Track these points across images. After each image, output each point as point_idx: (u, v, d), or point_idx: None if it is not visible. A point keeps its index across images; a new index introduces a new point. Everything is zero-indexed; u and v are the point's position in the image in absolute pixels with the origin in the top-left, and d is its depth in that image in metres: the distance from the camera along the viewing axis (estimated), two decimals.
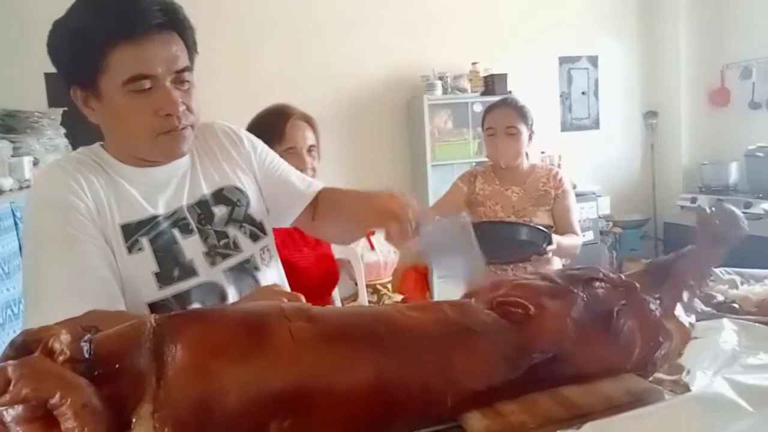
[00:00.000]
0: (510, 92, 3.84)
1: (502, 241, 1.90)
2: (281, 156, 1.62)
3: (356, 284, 2.21)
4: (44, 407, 0.49)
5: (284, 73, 3.78)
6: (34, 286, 0.92)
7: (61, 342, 0.53)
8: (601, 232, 4.30)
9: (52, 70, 0.96)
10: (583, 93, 4.57)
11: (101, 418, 0.50)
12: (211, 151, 1.13)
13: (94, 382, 0.52)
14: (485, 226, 2.03)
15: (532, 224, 1.96)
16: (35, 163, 2.36)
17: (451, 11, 4.10)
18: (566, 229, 2.12)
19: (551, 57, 4.45)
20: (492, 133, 2.13)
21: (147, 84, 0.92)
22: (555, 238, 1.90)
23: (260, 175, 1.18)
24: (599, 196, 4.25)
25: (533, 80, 4.29)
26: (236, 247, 1.08)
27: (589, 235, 4.03)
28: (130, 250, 0.96)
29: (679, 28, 4.45)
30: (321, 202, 1.22)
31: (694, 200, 4.18)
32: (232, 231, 1.08)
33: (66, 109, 2.60)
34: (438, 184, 3.79)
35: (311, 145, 1.70)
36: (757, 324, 0.93)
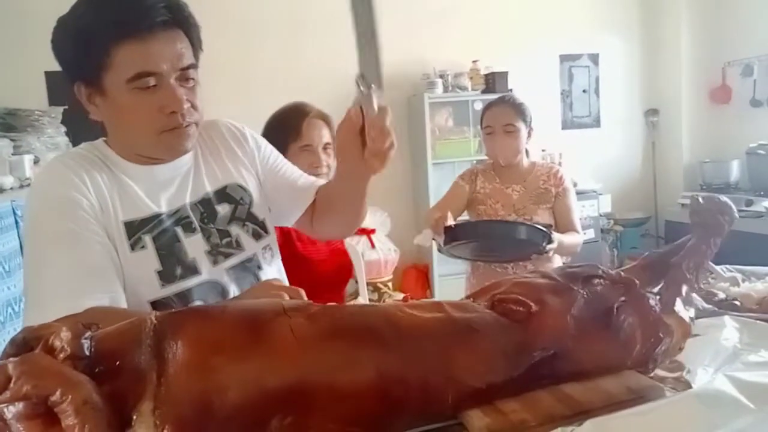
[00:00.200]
0: (511, 90, 3.84)
1: (502, 239, 1.90)
2: (297, 153, 1.64)
3: (357, 282, 2.21)
4: (45, 404, 0.49)
5: (284, 72, 3.78)
6: (36, 283, 0.92)
7: (62, 339, 0.53)
8: (602, 230, 4.30)
9: (53, 68, 0.95)
10: (584, 91, 4.57)
11: (102, 414, 0.50)
12: (215, 149, 1.13)
13: (94, 379, 0.52)
14: (485, 225, 2.03)
15: (531, 223, 1.96)
16: (36, 162, 2.36)
17: (452, 9, 4.09)
18: (567, 227, 2.11)
19: (552, 55, 4.45)
20: (490, 132, 2.13)
21: (152, 81, 0.92)
22: (556, 236, 1.89)
23: (263, 173, 1.18)
24: (600, 194, 4.25)
25: (534, 78, 4.28)
26: (238, 245, 1.08)
27: (590, 233, 4.03)
28: (132, 247, 0.96)
29: (680, 26, 4.44)
30: (317, 200, 1.22)
31: (693, 198, 4.17)
32: (235, 229, 1.08)
33: (66, 107, 2.61)
34: (439, 182, 3.79)
35: (327, 143, 1.71)
36: (758, 321, 0.93)
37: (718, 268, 1.24)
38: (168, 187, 1.04)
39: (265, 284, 1.01)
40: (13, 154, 2.35)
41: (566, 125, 4.55)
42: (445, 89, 3.95)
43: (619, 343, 0.73)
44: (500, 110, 2.13)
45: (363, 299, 2.08)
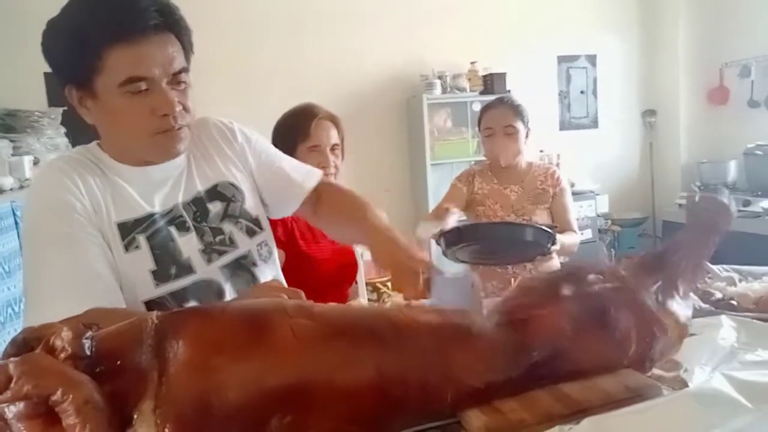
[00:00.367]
0: (509, 91, 3.84)
1: (506, 241, 1.90)
2: (305, 153, 1.66)
3: (356, 283, 2.21)
4: (46, 404, 0.49)
5: (283, 73, 3.78)
6: (34, 286, 0.92)
7: (63, 339, 0.53)
8: (600, 231, 4.30)
9: None
10: (581, 92, 4.57)
11: (103, 414, 0.51)
12: (205, 148, 1.13)
13: (95, 379, 0.53)
14: (488, 227, 2.02)
15: (537, 225, 1.95)
16: (35, 163, 2.36)
17: (450, 10, 4.10)
18: (564, 227, 2.12)
19: (550, 56, 4.45)
20: (490, 134, 2.13)
21: (143, 86, 0.92)
22: (557, 237, 1.90)
23: (256, 168, 1.17)
24: (598, 194, 4.25)
25: (532, 79, 4.29)
26: (232, 243, 1.08)
27: (588, 234, 4.03)
28: (127, 248, 0.97)
29: (677, 27, 4.45)
30: (325, 201, 1.22)
31: (690, 196, 4.19)
32: (228, 227, 1.09)
33: (66, 108, 2.60)
34: (437, 183, 3.79)
35: (335, 144, 1.73)
36: (755, 321, 0.93)
37: (715, 267, 1.24)
38: (161, 187, 1.04)
39: (265, 285, 1.01)
40: (12, 155, 2.34)
41: (564, 126, 4.56)
42: (444, 90, 3.95)
43: (615, 343, 0.74)
44: (500, 112, 2.13)
45: (363, 299, 2.08)
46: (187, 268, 1.01)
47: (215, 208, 1.08)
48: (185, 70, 0.98)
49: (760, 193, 3.85)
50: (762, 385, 0.68)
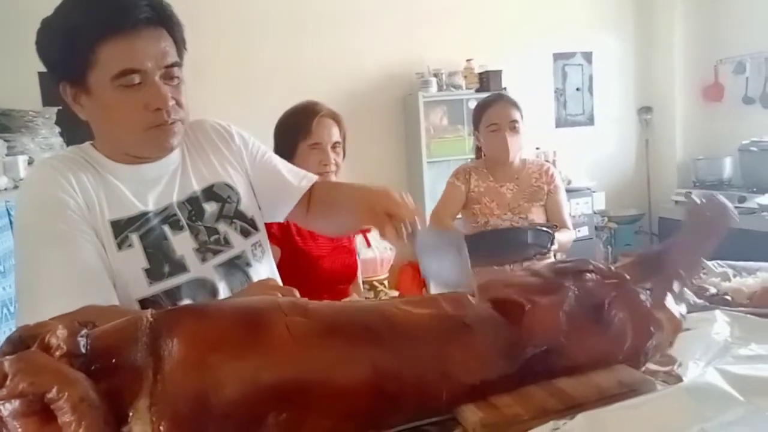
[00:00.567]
0: (505, 89, 3.85)
1: (507, 245, 1.90)
2: (307, 151, 1.67)
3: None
4: (41, 401, 0.49)
5: (280, 71, 3.77)
6: (28, 284, 0.92)
7: (58, 337, 0.54)
8: (596, 228, 4.31)
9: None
10: (577, 89, 4.58)
11: (98, 412, 0.51)
12: (201, 148, 1.13)
13: (91, 377, 0.53)
14: (493, 235, 2.02)
15: (537, 227, 1.95)
16: (30, 162, 2.35)
17: (446, 8, 4.10)
18: (559, 224, 2.13)
19: (545, 53, 4.46)
20: (495, 129, 2.12)
21: (136, 79, 0.93)
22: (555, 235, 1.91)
23: (251, 170, 1.18)
24: (594, 191, 4.26)
25: (528, 76, 4.29)
26: (227, 243, 1.08)
27: (584, 231, 4.04)
28: (119, 246, 0.97)
29: (673, 24, 4.46)
30: (315, 196, 1.22)
31: (688, 195, 4.20)
32: (223, 227, 1.09)
33: (61, 108, 2.59)
34: (433, 181, 3.79)
35: (336, 142, 1.73)
36: (749, 315, 0.94)
37: (709, 263, 1.25)
38: (155, 186, 1.04)
39: (260, 284, 1.01)
40: (7, 155, 2.34)
41: (560, 123, 4.56)
42: (440, 88, 3.95)
43: (610, 338, 0.74)
44: (504, 108, 2.13)
45: (356, 296, 2.09)
46: (180, 267, 1.01)
47: (211, 208, 1.08)
48: (178, 64, 0.99)
49: (755, 189, 3.87)
50: (754, 378, 0.69)
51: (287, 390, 0.59)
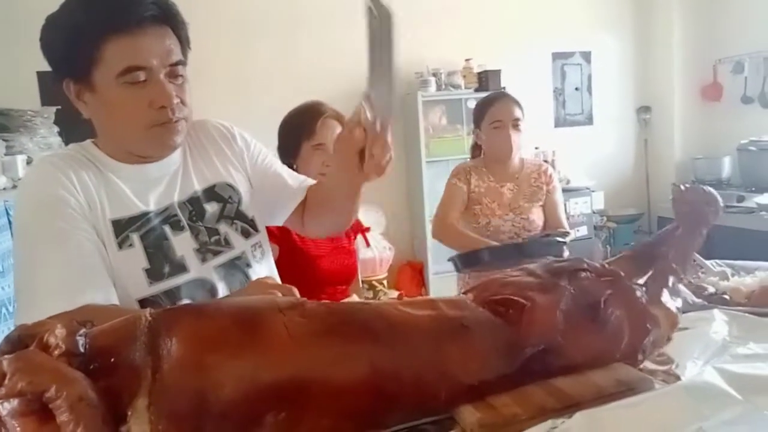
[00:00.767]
0: (504, 88, 3.85)
1: (522, 258, 1.89)
2: (310, 152, 1.67)
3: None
4: (40, 401, 0.49)
5: (279, 71, 3.78)
6: (27, 283, 0.92)
7: (57, 336, 0.53)
8: (595, 227, 4.31)
9: (46, 68, 0.95)
10: (576, 89, 4.58)
11: (97, 411, 0.51)
12: (203, 149, 1.13)
13: (89, 376, 0.53)
14: (510, 249, 1.98)
15: (552, 239, 1.91)
16: (29, 162, 2.35)
17: (445, 8, 4.10)
18: (556, 223, 2.13)
19: (544, 53, 4.47)
20: (499, 126, 2.11)
21: (141, 76, 0.93)
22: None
23: (252, 172, 1.18)
24: (593, 191, 4.27)
25: (527, 76, 4.30)
26: (227, 243, 1.08)
27: (583, 230, 4.05)
28: (120, 245, 0.96)
29: (671, 24, 4.47)
30: (308, 200, 1.22)
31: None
32: (223, 228, 1.09)
33: (59, 107, 2.59)
34: (432, 180, 3.80)
35: None
36: (747, 314, 0.94)
37: (708, 262, 1.25)
38: (156, 186, 1.04)
39: (259, 283, 1.01)
40: (5, 155, 2.34)
41: (559, 123, 4.57)
42: (439, 87, 3.96)
43: (607, 336, 0.74)
44: (508, 105, 2.13)
45: (355, 296, 2.09)
46: (180, 267, 1.01)
47: (212, 208, 1.08)
48: (182, 63, 0.99)
49: (753, 188, 3.88)
50: (753, 377, 0.69)
51: (286, 389, 0.59)
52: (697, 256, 1.24)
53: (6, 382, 0.48)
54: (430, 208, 2.32)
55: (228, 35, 3.66)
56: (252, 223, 1.14)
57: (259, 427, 0.58)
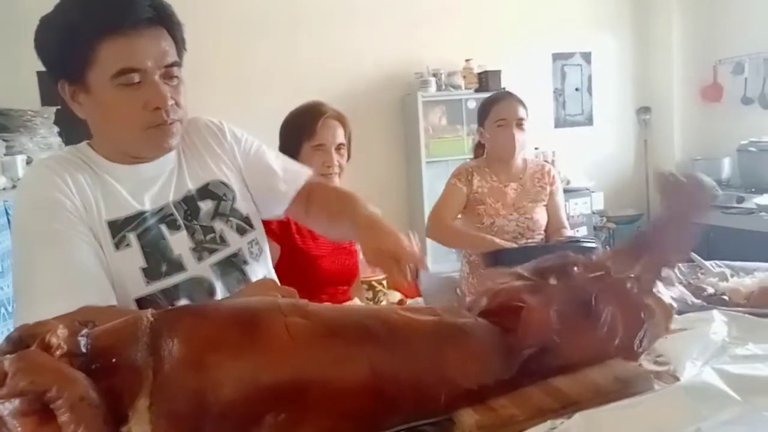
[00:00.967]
0: (504, 88, 3.85)
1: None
2: (310, 152, 1.67)
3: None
4: (41, 401, 0.49)
5: (278, 71, 3.78)
6: (25, 284, 0.92)
7: (59, 336, 0.54)
8: (595, 228, 4.31)
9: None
10: (576, 89, 4.58)
11: (98, 411, 0.51)
12: (195, 147, 1.13)
13: (91, 376, 0.53)
14: (539, 251, 1.97)
15: (581, 245, 1.90)
16: (28, 162, 2.35)
17: (445, 8, 4.10)
18: (559, 223, 2.14)
19: (544, 53, 4.46)
20: (503, 124, 2.11)
21: (136, 78, 0.93)
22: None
23: (244, 167, 1.17)
24: (593, 191, 4.27)
25: (527, 77, 4.29)
26: (223, 241, 1.08)
27: (583, 231, 4.05)
28: (117, 246, 0.97)
29: (671, 24, 4.47)
30: (315, 201, 1.22)
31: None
32: (219, 225, 1.09)
33: (59, 107, 2.59)
34: (432, 181, 3.80)
35: (340, 144, 1.73)
36: (746, 315, 0.94)
37: (707, 263, 1.25)
38: (152, 185, 1.04)
39: (259, 284, 1.02)
40: (5, 155, 2.34)
41: (559, 123, 4.57)
42: (439, 88, 3.96)
43: (601, 330, 0.74)
44: (512, 104, 2.13)
45: (357, 300, 2.09)
46: (177, 266, 1.01)
47: (206, 206, 1.08)
48: (177, 64, 0.99)
49: (753, 189, 3.88)
50: (751, 378, 0.69)
51: (286, 390, 0.60)
52: (697, 257, 1.24)
53: (7, 381, 0.48)
54: (429, 209, 2.31)
55: (228, 35, 3.66)
56: (247, 220, 1.14)
57: (259, 428, 0.58)
